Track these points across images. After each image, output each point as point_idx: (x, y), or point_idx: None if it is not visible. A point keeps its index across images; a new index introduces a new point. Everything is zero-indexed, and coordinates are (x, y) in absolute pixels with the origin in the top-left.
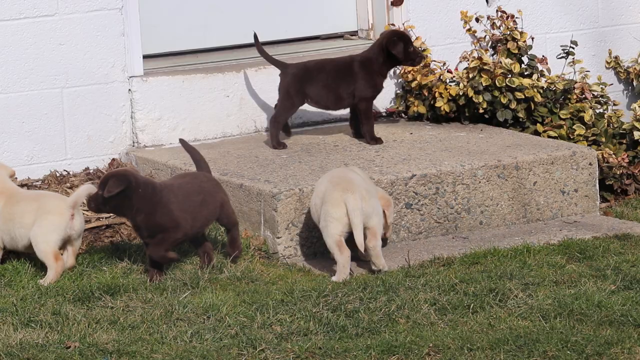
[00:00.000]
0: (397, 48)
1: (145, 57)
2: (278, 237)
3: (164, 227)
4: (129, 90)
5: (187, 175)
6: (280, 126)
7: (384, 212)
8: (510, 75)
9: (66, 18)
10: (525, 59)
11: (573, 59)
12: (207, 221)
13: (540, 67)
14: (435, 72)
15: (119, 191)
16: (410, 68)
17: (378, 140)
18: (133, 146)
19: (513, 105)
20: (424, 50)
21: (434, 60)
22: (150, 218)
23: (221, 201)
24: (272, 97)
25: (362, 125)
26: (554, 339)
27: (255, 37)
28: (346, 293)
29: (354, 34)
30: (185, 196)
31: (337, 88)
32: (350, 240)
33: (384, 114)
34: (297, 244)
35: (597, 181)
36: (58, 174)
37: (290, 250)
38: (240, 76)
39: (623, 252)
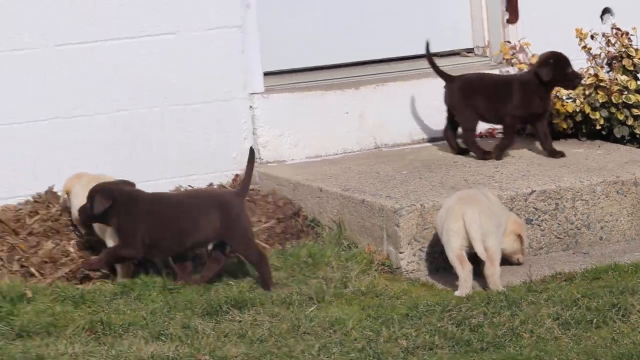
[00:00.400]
0: (543, 71)
1: (265, 74)
2: (401, 252)
3: (120, 238)
4: (250, 107)
5: (201, 192)
6: (474, 137)
7: (519, 236)
8: (626, 92)
9: (187, 36)
10: None
11: None
12: (194, 241)
13: None
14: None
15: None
16: None
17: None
18: (255, 162)
19: (630, 122)
20: None
21: None
22: (119, 225)
23: (227, 226)
24: (390, 114)
25: (502, 140)
26: None
27: (427, 46)
28: (470, 308)
29: (470, 51)
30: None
31: (496, 103)
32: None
33: (502, 130)
34: (419, 258)
35: None
36: (184, 190)
37: (413, 265)
38: (359, 93)
39: None
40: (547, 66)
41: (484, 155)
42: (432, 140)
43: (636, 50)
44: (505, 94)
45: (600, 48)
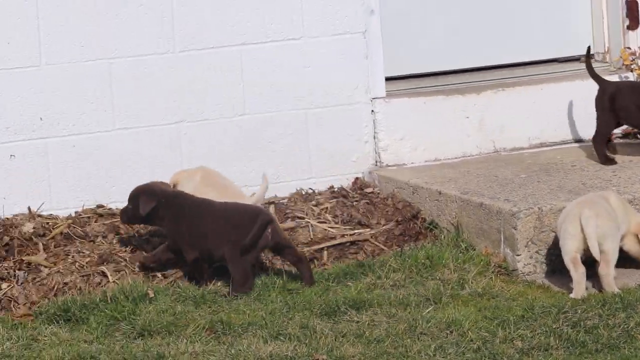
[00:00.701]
0: None
1: (387, 79)
2: (518, 255)
3: (175, 242)
4: (372, 111)
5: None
6: (604, 142)
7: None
8: None
9: (312, 42)
10: None
11: None
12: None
13: None
14: None
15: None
16: None
17: (609, 162)
18: (375, 165)
19: None
20: None
21: None
22: (170, 230)
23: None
24: (509, 119)
25: None
26: None
27: (588, 50)
28: (585, 309)
29: (590, 57)
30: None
31: None
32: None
33: (620, 134)
34: (536, 261)
35: None
36: (304, 192)
37: (529, 267)
38: (480, 98)
39: None
40: None
41: (605, 161)
42: (550, 145)
43: None
44: None
45: None
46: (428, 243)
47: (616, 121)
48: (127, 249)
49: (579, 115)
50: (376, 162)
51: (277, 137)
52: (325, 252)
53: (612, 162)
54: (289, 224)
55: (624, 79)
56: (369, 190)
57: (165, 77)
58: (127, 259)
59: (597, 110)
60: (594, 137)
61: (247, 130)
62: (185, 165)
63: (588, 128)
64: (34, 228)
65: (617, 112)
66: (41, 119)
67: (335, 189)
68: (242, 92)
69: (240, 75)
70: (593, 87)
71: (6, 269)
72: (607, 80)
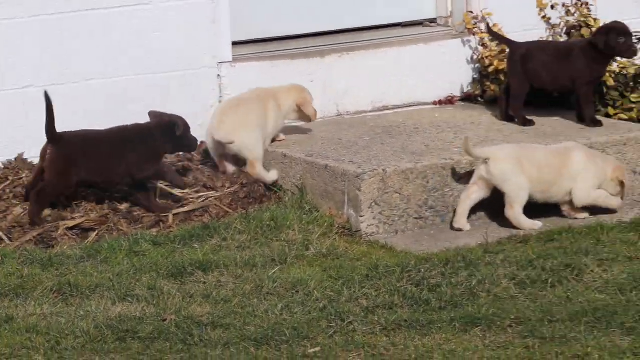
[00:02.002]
0: (598, 40)
1: (234, 44)
2: (361, 216)
3: None
4: (218, 75)
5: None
6: (521, 104)
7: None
8: None
9: (161, 6)
10: None
11: None
12: None
13: None
14: None
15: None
16: (488, 53)
17: (598, 123)
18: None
19: None
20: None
21: None
22: None
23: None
24: (353, 83)
25: (583, 109)
26: (631, 311)
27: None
28: (429, 269)
29: (433, 21)
30: None
31: (557, 70)
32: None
33: (460, 97)
34: (379, 222)
35: None
36: None
37: (372, 228)
38: (324, 62)
39: None
40: (600, 35)
41: (524, 122)
42: (393, 108)
43: (595, 19)
44: (567, 60)
45: (560, 18)
46: (273, 205)
47: (529, 82)
48: None
49: (421, 79)
50: None
51: (128, 102)
52: (171, 215)
53: (530, 123)
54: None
55: (464, 40)
56: None
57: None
58: None
59: (509, 73)
60: (512, 100)
61: (107, 96)
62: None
63: (430, 91)
64: None
65: (529, 73)
66: None
67: (181, 153)
68: (97, 57)
69: (93, 40)
70: (436, 51)
71: None
72: (517, 42)
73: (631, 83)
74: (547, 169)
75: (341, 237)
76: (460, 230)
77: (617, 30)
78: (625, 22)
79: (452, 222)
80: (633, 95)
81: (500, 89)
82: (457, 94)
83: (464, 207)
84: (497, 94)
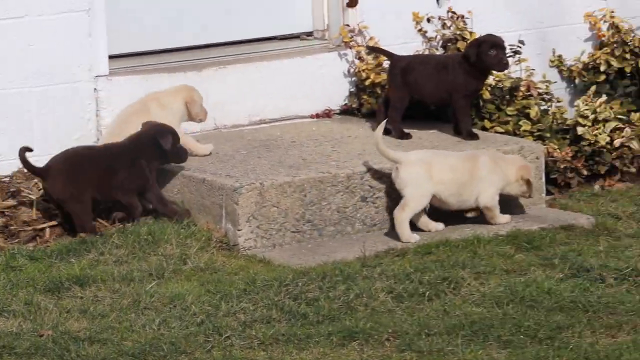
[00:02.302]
0: (470, 52)
1: (111, 57)
2: (239, 230)
3: None
4: (95, 89)
5: None
6: (400, 117)
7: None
8: None
9: (36, 20)
10: None
11: (520, 57)
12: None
13: None
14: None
15: None
16: (365, 66)
17: (474, 136)
18: (97, 143)
19: None
20: None
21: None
22: None
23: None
24: (230, 96)
25: (459, 122)
26: (507, 324)
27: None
28: (306, 282)
29: (309, 34)
30: None
31: (436, 82)
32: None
33: (338, 111)
34: (257, 236)
35: (544, 174)
36: (26, 170)
37: (250, 242)
38: (202, 75)
39: (569, 242)
40: (471, 48)
41: (401, 135)
42: (270, 121)
43: (471, 32)
44: (445, 73)
45: (436, 31)
46: (150, 219)
47: (409, 95)
48: None
49: (299, 92)
50: (98, 139)
51: (2, 116)
52: (48, 230)
53: (408, 136)
54: (9, 202)
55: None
56: None
57: None
58: None
59: (388, 85)
60: (390, 113)
61: None
62: None
63: (307, 104)
64: None
65: (409, 85)
66: None
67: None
68: None
69: None
70: (313, 64)
71: None
72: (397, 55)
73: (507, 96)
74: (461, 172)
75: (219, 251)
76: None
77: (488, 42)
78: (502, 35)
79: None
80: (509, 109)
81: (378, 102)
82: (335, 107)
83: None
84: (374, 107)
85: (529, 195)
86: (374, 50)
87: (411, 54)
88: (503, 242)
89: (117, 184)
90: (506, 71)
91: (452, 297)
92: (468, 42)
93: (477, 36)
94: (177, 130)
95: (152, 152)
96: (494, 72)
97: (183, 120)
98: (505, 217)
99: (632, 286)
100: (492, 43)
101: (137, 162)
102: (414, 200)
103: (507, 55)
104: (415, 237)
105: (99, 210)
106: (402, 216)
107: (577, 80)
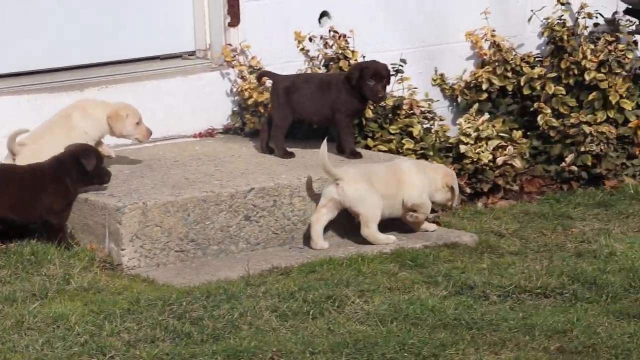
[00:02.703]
0: (352, 75)
1: None
2: (122, 249)
3: None
4: None
5: None
6: (283, 136)
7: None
8: None
9: None
10: None
11: (402, 76)
12: None
13: None
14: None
15: None
16: (247, 85)
17: (357, 155)
18: None
19: None
20: (259, 69)
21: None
22: None
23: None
24: None
25: (342, 141)
26: (391, 342)
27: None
28: (190, 302)
29: (192, 54)
30: None
31: (319, 102)
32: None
33: (221, 130)
34: (140, 255)
35: None
36: None
37: (134, 261)
38: (84, 95)
39: (452, 259)
40: (352, 74)
41: (284, 154)
42: (154, 140)
43: (352, 52)
44: (328, 92)
45: (318, 50)
46: (34, 239)
47: (292, 114)
48: None
49: (181, 112)
50: None
51: None
52: None
53: (291, 155)
54: None
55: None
56: None
57: None
58: None
59: (271, 105)
60: (273, 132)
61: None
62: None
63: (191, 124)
64: None
65: (292, 105)
66: None
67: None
68: None
69: None
70: (195, 84)
71: None
72: (280, 75)
73: (390, 115)
74: (390, 183)
75: (102, 271)
76: (321, 249)
77: (370, 71)
78: (382, 54)
79: (310, 244)
80: (392, 127)
81: (261, 121)
82: (218, 126)
83: (317, 229)
84: (256, 126)
85: (452, 204)
86: (261, 76)
87: (294, 73)
88: (387, 260)
89: (45, 205)
90: (389, 90)
91: (337, 316)
92: (352, 61)
93: (360, 55)
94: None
95: (76, 172)
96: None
97: (103, 135)
98: (433, 225)
99: (516, 303)
100: (374, 72)
101: (62, 183)
102: (371, 213)
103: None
104: (392, 238)
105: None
106: (370, 231)
107: (459, 99)
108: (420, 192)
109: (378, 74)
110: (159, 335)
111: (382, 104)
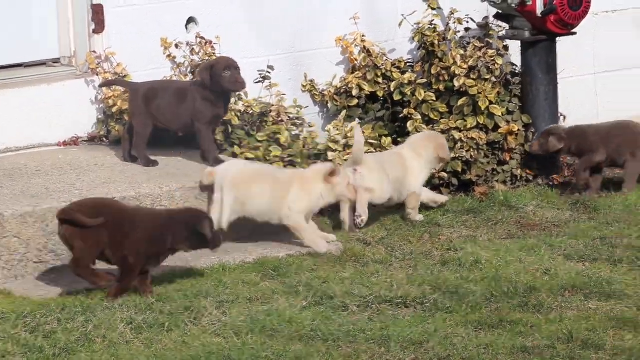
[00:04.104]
0: (203, 76)
1: None
2: None
3: None
4: None
5: None
6: (145, 144)
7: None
8: None
9: None
10: None
11: (270, 82)
12: None
13: None
14: None
15: None
16: (111, 93)
17: (220, 163)
18: None
19: None
20: (125, 76)
21: None
22: None
23: None
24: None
25: (205, 149)
26: (245, 354)
27: None
28: (45, 314)
29: (56, 61)
30: None
31: (177, 110)
32: None
33: (85, 138)
34: None
35: None
36: None
37: None
38: None
39: (315, 269)
40: (204, 71)
41: (147, 163)
42: (16, 150)
43: None
44: (186, 100)
45: (185, 57)
46: None
47: (153, 122)
48: None
49: (45, 120)
50: None
51: None
52: None
53: (154, 163)
54: None
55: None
56: None
57: None
58: None
59: (131, 113)
60: (135, 140)
61: None
62: None
63: (54, 132)
64: None
65: (152, 112)
66: None
67: None
68: None
69: None
70: (59, 92)
71: None
72: (137, 83)
73: (257, 122)
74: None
75: None
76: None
77: (220, 64)
78: (250, 60)
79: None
80: (259, 134)
81: (123, 129)
82: (82, 134)
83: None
84: (121, 134)
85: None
86: (112, 83)
87: (156, 80)
88: (249, 269)
89: None
90: (256, 96)
91: (192, 328)
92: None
93: None
94: None
95: None
96: (244, 97)
97: None
98: (420, 216)
99: (375, 314)
100: (225, 64)
101: None
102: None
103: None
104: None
105: None
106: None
107: (330, 105)
108: (425, 177)
109: (230, 64)
110: (10, 349)
111: (249, 111)
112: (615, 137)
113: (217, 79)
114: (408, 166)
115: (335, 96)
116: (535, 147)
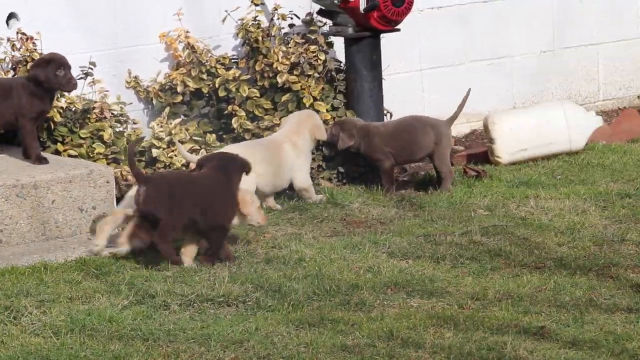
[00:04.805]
0: (38, 72)
1: None
2: None
3: None
4: None
5: None
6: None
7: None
8: None
9: None
10: None
11: (93, 79)
12: None
13: None
14: None
15: None
16: None
17: (43, 160)
18: None
19: None
20: None
21: None
22: None
23: None
24: None
25: (28, 146)
26: (63, 355)
27: None
28: None
29: None
30: None
31: (1, 106)
32: None
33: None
34: None
35: (115, 198)
36: None
37: None
38: None
39: (138, 267)
40: (41, 68)
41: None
42: None
43: (41, 54)
44: (11, 97)
45: (5, 53)
46: None
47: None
48: None
49: None
50: None
51: None
52: None
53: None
54: None
55: None
56: None
57: None
58: None
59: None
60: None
61: None
62: None
63: None
64: None
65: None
66: None
67: None
68: None
69: None
70: None
71: None
72: None
73: (80, 119)
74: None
75: None
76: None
77: (56, 62)
78: (73, 56)
79: None
80: (82, 131)
81: None
82: None
83: None
84: None
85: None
86: None
87: None
88: (71, 268)
89: None
90: (79, 93)
91: (11, 327)
92: (32, 64)
93: None
94: None
95: None
96: (67, 94)
97: None
98: (319, 196)
99: (197, 313)
100: (60, 62)
101: None
102: None
103: (77, 77)
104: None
105: None
106: None
107: (154, 101)
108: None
109: (64, 63)
110: None
111: (72, 107)
112: (400, 136)
113: (51, 77)
114: (293, 165)
115: (159, 93)
116: (328, 137)
